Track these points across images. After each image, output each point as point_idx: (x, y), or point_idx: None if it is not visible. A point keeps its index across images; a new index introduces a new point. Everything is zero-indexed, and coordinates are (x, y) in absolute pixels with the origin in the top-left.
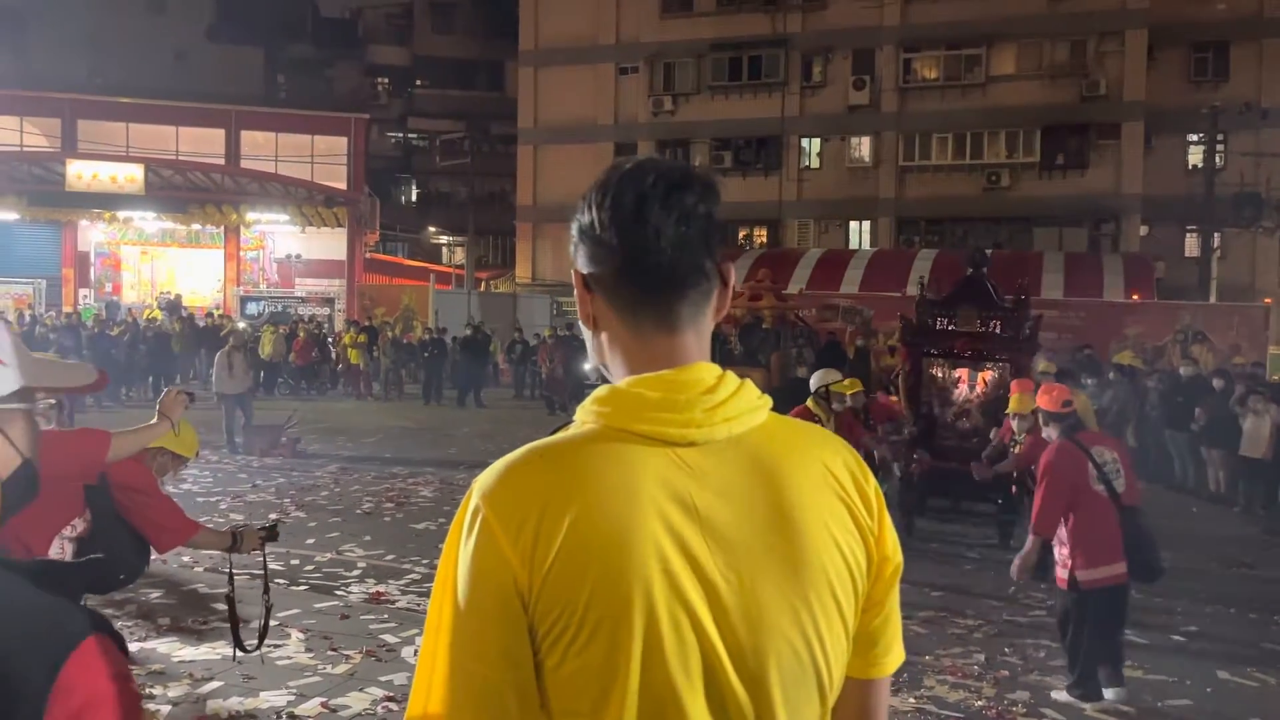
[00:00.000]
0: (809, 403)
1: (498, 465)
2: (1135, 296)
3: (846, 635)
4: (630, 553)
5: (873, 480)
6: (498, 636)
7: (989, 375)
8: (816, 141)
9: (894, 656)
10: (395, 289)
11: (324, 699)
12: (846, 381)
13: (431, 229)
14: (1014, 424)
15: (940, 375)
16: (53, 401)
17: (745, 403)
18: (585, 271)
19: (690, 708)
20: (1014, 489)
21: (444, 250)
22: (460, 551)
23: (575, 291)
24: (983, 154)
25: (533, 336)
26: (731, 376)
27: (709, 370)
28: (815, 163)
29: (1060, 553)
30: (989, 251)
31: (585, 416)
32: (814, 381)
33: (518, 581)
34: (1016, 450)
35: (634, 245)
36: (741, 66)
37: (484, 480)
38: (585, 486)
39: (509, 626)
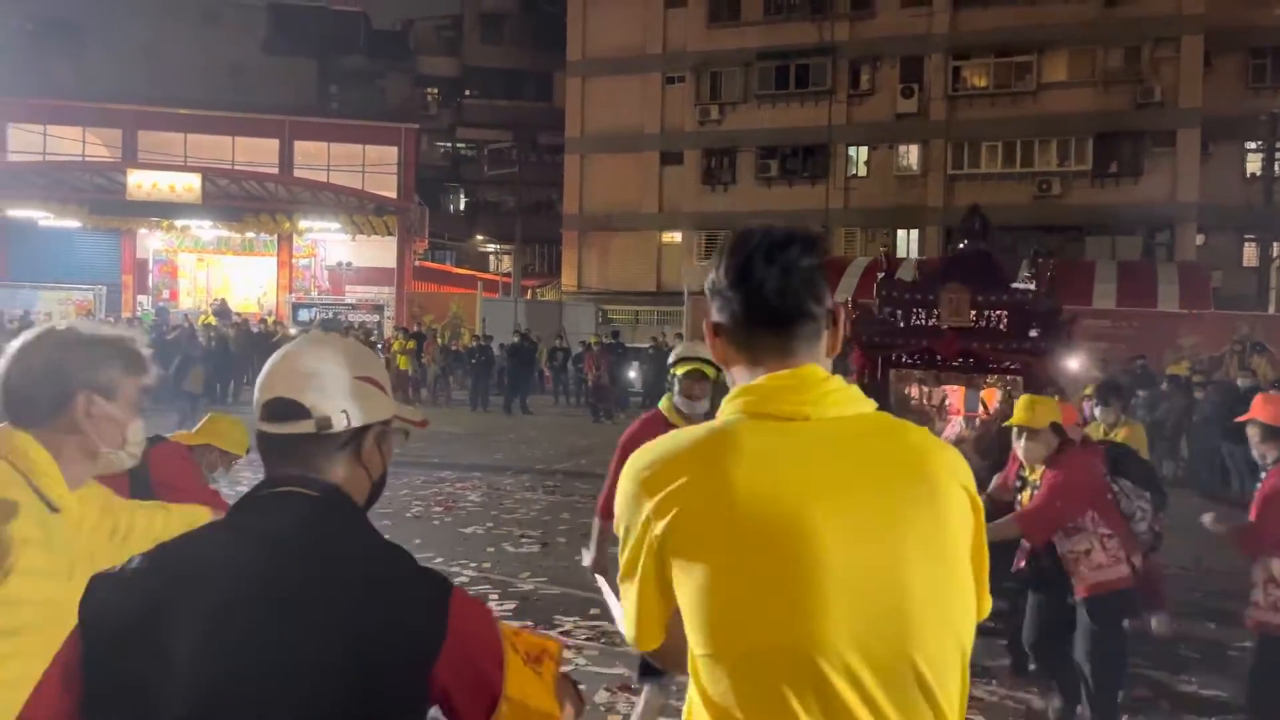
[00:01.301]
0: (661, 404)
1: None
2: (1189, 307)
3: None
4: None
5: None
6: None
7: (994, 396)
8: (864, 150)
9: (985, 603)
10: (443, 296)
11: None
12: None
13: (479, 237)
14: (1020, 449)
15: (916, 395)
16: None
17: (849, 395)
18: (714, 320)
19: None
20: (1025, 565)
21: (491, 258)
22: None
23: (707, 339)
24: (1033, 162)
25: (577, 344)
26: (839, 378)
27: (820, 370)
28: (863, 171)
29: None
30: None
31: (728, 409)
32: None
33: None
34: (1026, 499)
35: (746, 296)
36: (788, 75)
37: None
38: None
39: None
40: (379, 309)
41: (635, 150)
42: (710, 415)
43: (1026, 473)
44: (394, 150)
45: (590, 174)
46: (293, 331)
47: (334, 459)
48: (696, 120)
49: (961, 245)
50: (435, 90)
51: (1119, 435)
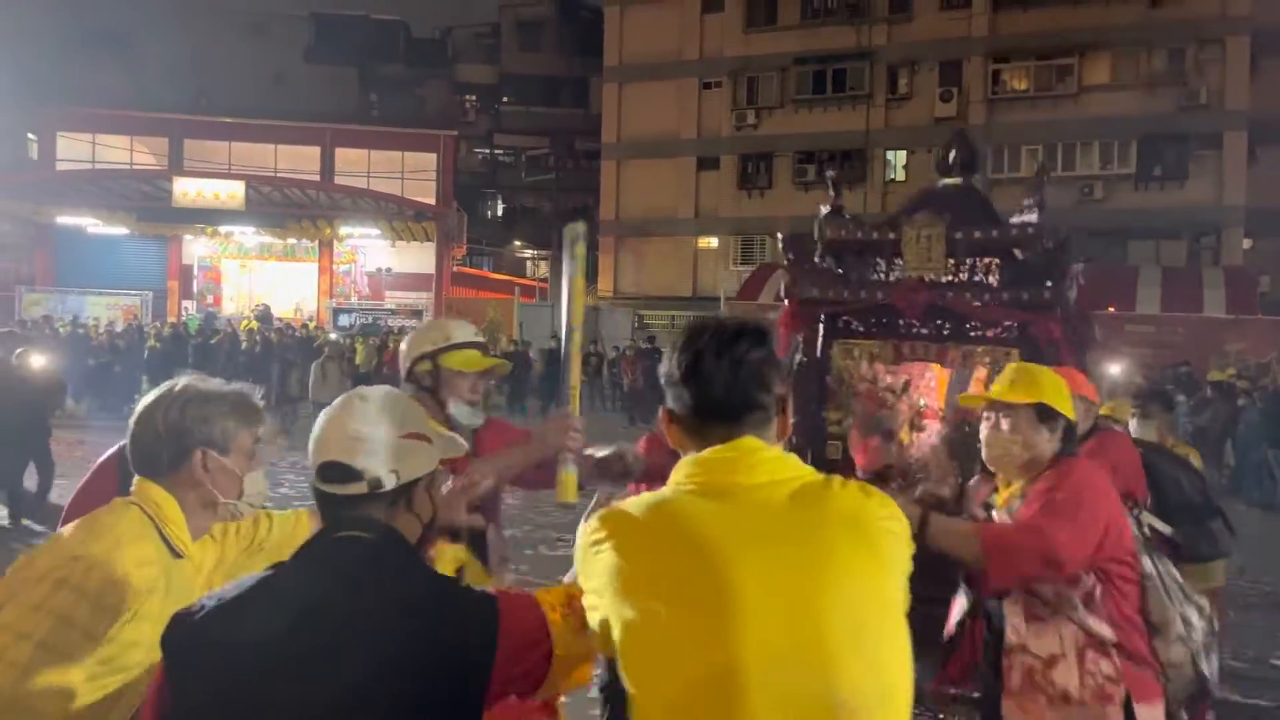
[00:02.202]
0: None
1: None
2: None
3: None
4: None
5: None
6: None
7: (983, 377)
8: (902, 154)
9: None
10: (481, 302)
11: None
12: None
13: (516, 243)
14: (984, 442)
15: (865, 376)
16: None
17: (782, 463)
18: (668, 408)
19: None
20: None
21: (528, 264)
22: None
23: (662, 425)
24: (1075, 165)
25: (612, 349)
26: (777, 449)
27: (755, 441)
28: (901, 175)
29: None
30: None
31: (670, 482)
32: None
33: None
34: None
35: (697, 390)
36: (826, 79)
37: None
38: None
39: None
40: (418, 314)
41: (671, 155)
42: None
43: (998, 491)
44: (433, 157)
45: (626, 180)
46: (333, 336)
47: (387, 512)
48: (733, 125)
49: (940, 183)
50: (473, 97)
51: None
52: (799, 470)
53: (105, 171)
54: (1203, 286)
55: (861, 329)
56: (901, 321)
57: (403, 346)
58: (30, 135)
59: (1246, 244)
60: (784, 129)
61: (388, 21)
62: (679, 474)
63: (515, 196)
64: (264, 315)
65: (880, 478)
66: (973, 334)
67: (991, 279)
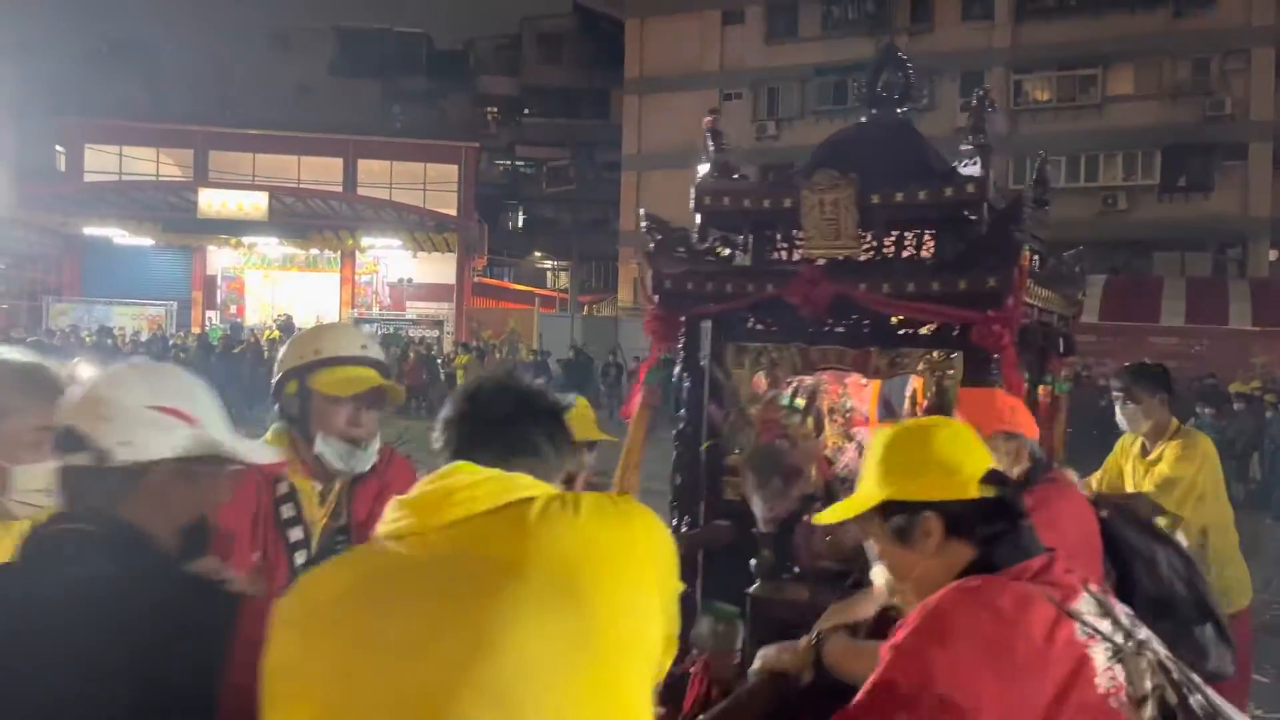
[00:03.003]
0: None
1: None
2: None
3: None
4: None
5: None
6: None
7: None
8: None
9: None
10: (501, 312)
11: None
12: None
13: (537, 254)
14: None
15: (763, 390)
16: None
17: (490, 489)
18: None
19: None
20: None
21: (549, 275)
22: None
23: None
24: (1098, 176)
25: (632, 360)
26: (495, 471)
27: (463, 469)
28: None
29: None
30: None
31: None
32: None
33: None
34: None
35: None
36: (846, 90)
37: None
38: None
39: None
40: (439, 324)
41: (692, 167)
42: None
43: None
44: (454, 168)
45: (647, 191)
46: None
47: (120, 495)
48: (754, 136)
49: (862, 118)
50: (495, 109)
51: (1161, 469)
52: (516, 492)
53: (131, 183)
54: (1229, 298)
55: (760, 328)
56: (801, 318)
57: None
58: (58, 147)
59: (1273, 255)
60: (805, 140)
61: (410, 34)
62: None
63: (536, 207)
64: (286, 325)
65: (789, 527)
66: (901, 333)
67: (923, 251)
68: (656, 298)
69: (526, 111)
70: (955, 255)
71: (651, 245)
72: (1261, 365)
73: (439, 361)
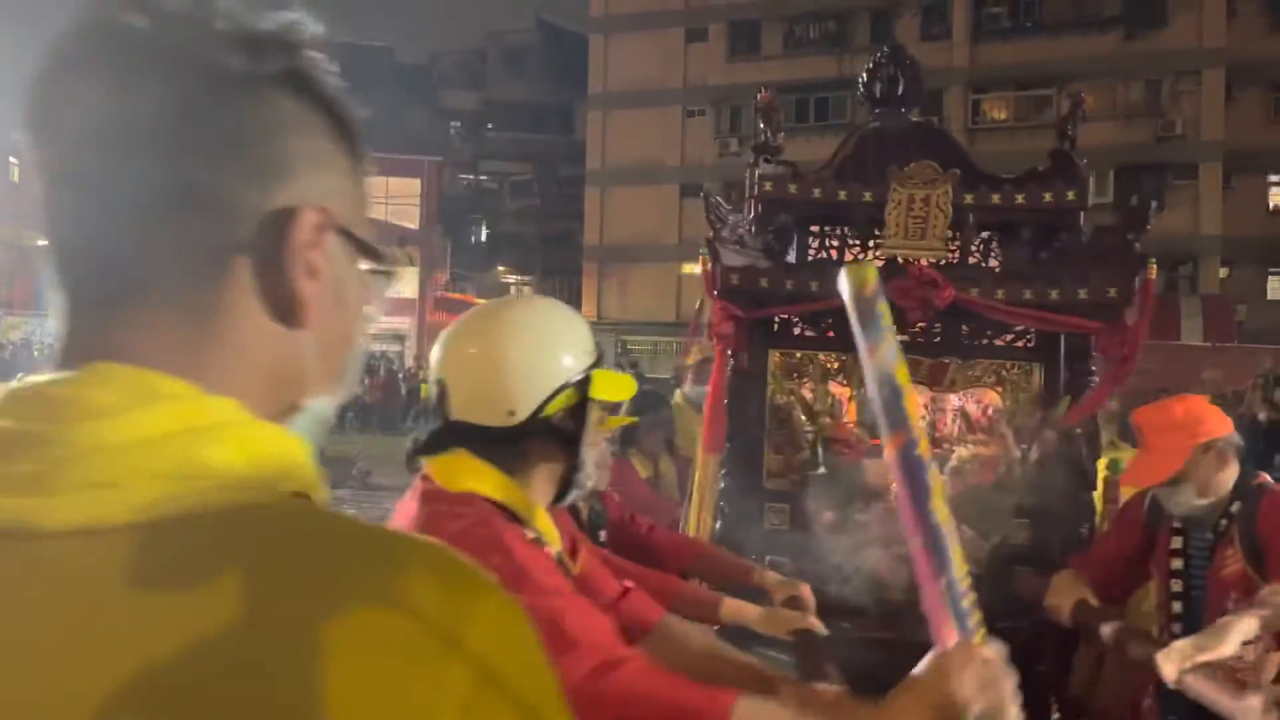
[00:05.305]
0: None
1: None
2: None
3: None
4: None
5: None
6: None
7: (988, 404)
8: None
9: None
10: None
11: None
12: None
13: (500, 269)
14: None
15: (811, 399)
16: None
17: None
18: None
19: None
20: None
21: (512, 289)
22: None
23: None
24: None
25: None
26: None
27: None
28: None
29: None
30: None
31: None
32: None
33: None
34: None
35: None
36: (808, 108)
37: None
38: None
39: None
40: (400, 339)
41: (655, 182)
42: None
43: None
44: (417, 182)
45: (611, 206)
46: None
47: None
48: (716, 153)
49: (876, 110)
50: (458, 123)
51: None
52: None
53: None
54: (1180, 314)
55: (813, 335)
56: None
57: None
58: (12, 159)
59: (1223, 273)
60: None
61: (373, 48)
62: None
63: (499, 222)
64: None
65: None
66: (981, 343)
67: (994, 263)
68: (716, 293)
69: (490, 126)
70: (1060, 263)
71: (710, 234)
72: (1212, 380)
73: (400, 376)
